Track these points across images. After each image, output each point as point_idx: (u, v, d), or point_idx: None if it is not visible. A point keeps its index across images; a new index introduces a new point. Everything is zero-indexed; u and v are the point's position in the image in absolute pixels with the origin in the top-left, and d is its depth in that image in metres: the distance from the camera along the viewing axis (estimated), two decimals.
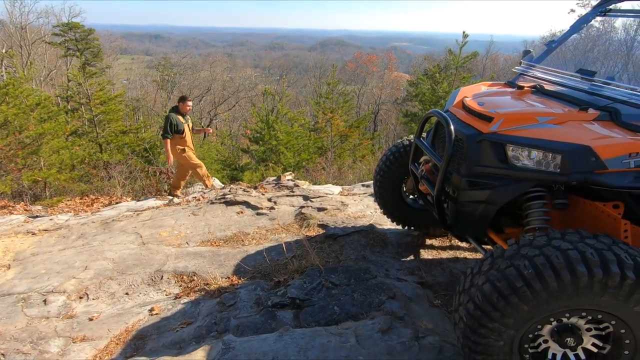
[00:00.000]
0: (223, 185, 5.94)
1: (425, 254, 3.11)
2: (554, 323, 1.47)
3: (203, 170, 5.46)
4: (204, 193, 5.15)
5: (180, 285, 2.91)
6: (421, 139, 2.42)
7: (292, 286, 2.50)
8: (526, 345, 1.51)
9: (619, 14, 2.36)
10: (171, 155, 5.13)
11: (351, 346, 1.82)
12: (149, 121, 11.23)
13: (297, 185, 4.84)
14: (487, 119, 1.83)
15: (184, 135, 5.17)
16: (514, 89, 2.30)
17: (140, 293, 2.84)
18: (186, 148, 5.18)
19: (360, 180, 7.32)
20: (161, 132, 5.23)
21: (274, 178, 5.29)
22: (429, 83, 9.74)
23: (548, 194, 1.75)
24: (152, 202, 4.94)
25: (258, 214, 4.03)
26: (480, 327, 1.45)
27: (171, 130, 5.03)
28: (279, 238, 3.45)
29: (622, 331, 1.43)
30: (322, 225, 3.60)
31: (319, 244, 3.26)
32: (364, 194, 4.61)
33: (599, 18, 2.56)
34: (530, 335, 1.49)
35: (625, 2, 2.25)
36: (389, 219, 3.22)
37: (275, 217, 3.88)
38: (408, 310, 2.29)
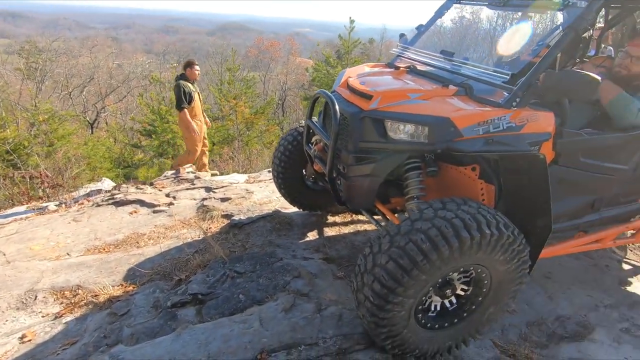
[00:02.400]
0: (114, 186, 5.30)
1: (329, 231, 3.24)
2: (438, 283, 1.69)
3: (193, 156, 5.05)
4: (89, 196, 4.53)
5: (62, 303, 2.53)
6: (312, 119, 2.47)
7: (193, 282, 2.38)
8: (419, 307, 1.72)
9: (469, 2, 2.69)
10: (194, 126, 4.73)
11: (254, 330, 1.82)
12: (11, 117, 9.34)
13: (198, 177, 4.57)
14: (368, 97, 1.95)
15: (193, 105, 4.71)
16: (392, 70, 2.49)
17: (6, 320, 2.39)
18: (195, 120, 4.79)
19: (268, 166, 7.28)
20: (175, 105, 4.79)
21: (173, 172, 4.91)
22: (325, 68, 10.06)
23: (422, 164, 1.94)
24: (19, 212, 4.16)
25: (155, 211, 3.71)
26: (386, 304, 1.58)
27: (185, 99, 4.61)
28: (179, 235, 3.24)
29: (483, 275, 1.73)
30: (226, 216, 3.48)
31: (224, 235, 3.15)
32: (270, 180, 4.58)
33: (468, 9, 2.94)
34: (424, 298, 1.71)
35: None
36: (294, 206, 3.27)
37: (174, 213, 3.62)
38: (313, 286, 2.37)
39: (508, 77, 1.86)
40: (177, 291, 2.36)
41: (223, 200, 3.81)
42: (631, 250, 3.35)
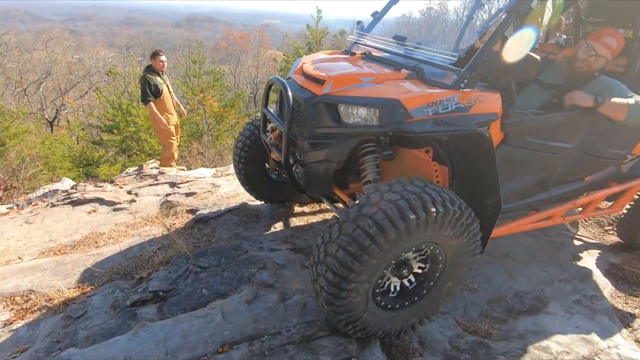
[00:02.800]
0: (73, 185, 5.03)
1: (297, 222, 3.22)
2: (393, 263, 1.71)
3: (170, 150, 4.85)
4: (44, 197, 4.28)
5: (12, 309, 2.38)
6: (268, 108, 2.43)
7: (154, 279, 2.30)
8: (377, 290, 1.74)
9: None
10: (162, 118, 4.57)
11: (216, 324, 1.78)
12: None
13: (163, 173, 4.42)
14: (320, 82, 1.94)
15: (162, 97, 4.51)
16: (347, 56, 2.48)
17: None
18: (165, 114, 4.60)
19: None
20: (141, 98, 4.60)
21: (135, 168, 4.72)
22: (295, 59, 9.88)
23: (378, 148, 1.95)
24: None
25: (115, 209, 3.55)
26: (341, 291, 1.59)
27: (151, 91, 4.44)
28: (141, 232, 3.12)
29: (437, 252, 1.77)
30: (191, 211, 3.39)
31: (189, 231, 3.07)
32: None
33: (436, 1, 2.97)
34: (380, 281, 1.72)
35: None
36: (260, 200, 3.21)
37: (136, 210, 3.48)
38: (279, 276, 2.35)
39: (455, 59, 1.89)
40: (137, 289, 2.27)
41: (188, 195, 3.70)
42: (584, 227, 3.54)
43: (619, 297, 2.59)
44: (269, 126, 2.40)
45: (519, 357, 1.94)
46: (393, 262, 1.70)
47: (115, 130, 6.45)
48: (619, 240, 3.18)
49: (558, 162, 2.31)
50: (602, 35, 2.30)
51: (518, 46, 1.78)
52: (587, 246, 3.16)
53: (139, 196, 3.79)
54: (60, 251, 2.96)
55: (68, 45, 31.45)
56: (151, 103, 4.54)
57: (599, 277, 2.73)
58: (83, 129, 9.68)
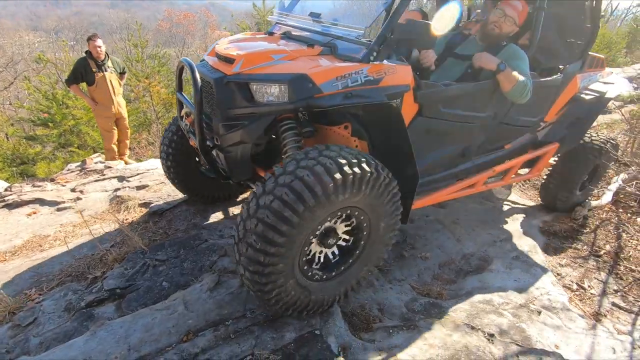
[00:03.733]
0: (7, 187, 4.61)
1: None
2: (318, 231, 1.70)
3: (109, 141, 4.59)
4: None
5: None
6: (181, 92, 2.31)
7: (109, 277, 2.22)
8: (303, 261, 1.72)
9: None
10: (90, 100, 4.40)
11: (179, 314, 1.78)
12: None
13: (109, 167, 4.17)
14: (231, 61, 1.86)
15: (94, 86, 4.24)
16: (266, 36, 2.38)
17: None
18: (97, 104, 4.36)
19: None
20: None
21: (78, 164, 4.41)
22: None
23: (298, 125, 1.91)
24: None
25: (59, 209, 3.33)
26: (265, 267, 1.54)
27: (73, 75, 4.22)
28: (91, 231, 2.96)
29: (362, 217, 1.79)
30: (144, 204, 3.26)
31: (143, 225, 2.97)
32: None
33: None
34: (306, 251, 1.70)
35: None
36: (195, 199, 3.03)
37: (83, 208, 3.29)
38: None
39: (362, 31, 1.90)
40: (91, 290, 2.19)
41: (139, 188, 3.55)
42: (522, 191, 3.89)
43: (550, 250, 2.91)
44: (183, 111, 2.30)
45: (466, 312, 2.14)
46: (317, 231, 1.67)
47: (50, 124, 5.90)
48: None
49: (475, 132, 2.38)
50: (511, 0, 2.38)
51: (438, 27, 1.83)
52: (524, 208, 3.49)
53: (85, 193, 3.57)
54: None
55: None
56: (74, 85, 4.39)
57: (534, 234, 3.05)
58: (12, 124, 8.77)
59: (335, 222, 1.77)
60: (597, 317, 2.27)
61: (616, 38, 13.74)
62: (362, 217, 1.78)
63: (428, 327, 2.01)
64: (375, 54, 1.79)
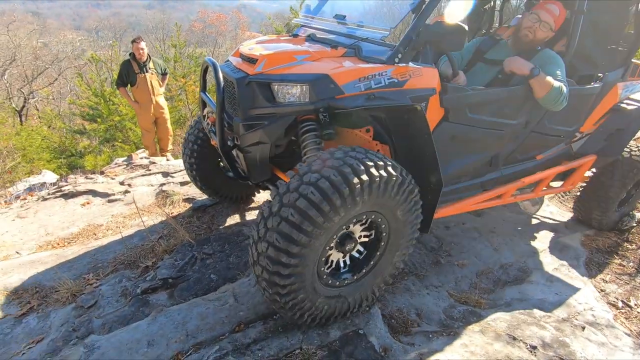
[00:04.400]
0: (58, 177, 4.94)
1: None
2: (336, 238, 1.66)
3: (148, 139, 4.88)
4: (32, 190, 4.20)
5: (19, 303, 2.40)
6: (205, 92, 2.33)
7: (161, 267, 2.37)
8: (322, 268, 1.68)
9: None
10: (133, 101, 4.68)
11: (230, 306, 1.88)
12: None
13: (154, 162, 4.40)
14: (254, 61, 1.86)
15: (135, 86, 4.51)
16: (291, 38, 2.36)
17: None
18: (138, 104, 4.63)
19: None
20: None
21: (124, 159, 4.67)
22: None
23: (319, 127, 1.85)
24: None
25: (110, 201, 3.55)
26: (285, 268, 1.49)
27: (120, 78, 4.53)
28: (140, 222, 3.15)
29: (379, 220, 1.74)
30: (187, 199, 3.43)
31: (188, 219, 3.12)
32: None
33: None
34: (324, 258, 1.65)
35: None
36: (215, 198, 3.04)
37: (131, 200, 3.49)
38: None
39: (387, 32, 1.87)
40: (145, 278, 2.34)
41: (183, 184, 3.73)
42: (561, 202, 3.80)
43: (592, 265, 2.84)
44: (205, 111, 2.31)
45: (506, 322, 2.14)
46: (338, 235, 1.63)
47: (99, 119, 6.27)
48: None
49: (504, 140, 2.29)
50: (546, 4, 2.30)
51: (451, 16, 1.76)
52: (564, 220, 3.40)
53: (133, 187, 3.79)
54: (58, 244, 2.97)
55: (32, 29, 29.62)
56: (122, 88, 4.66)
57: (575, 247, 2.98)
58: (61, 119, 9.33)
59: (357, 228, 1.74)
60: None
61: None
62: (379, 219, 1.73)
63: (468, 334, 2.02)
64: (400, 55, 1.75)
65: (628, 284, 2.65)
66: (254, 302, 1.92)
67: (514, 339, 2.01)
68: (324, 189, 1.46)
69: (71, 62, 23.79)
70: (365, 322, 1.96)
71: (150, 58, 4.69)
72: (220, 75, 1.91)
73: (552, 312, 2.28)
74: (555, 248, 2.95)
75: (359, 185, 1.50)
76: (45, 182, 4.40)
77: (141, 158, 4.64)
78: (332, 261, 1.77)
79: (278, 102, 1.74)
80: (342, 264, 1.82)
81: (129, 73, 4.54)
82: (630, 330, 2.24)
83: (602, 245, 3.05)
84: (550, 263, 2.78)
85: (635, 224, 3.22)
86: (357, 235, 1.77)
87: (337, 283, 1.78)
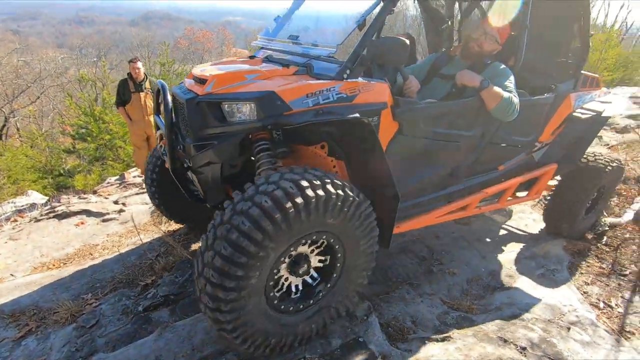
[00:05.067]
0: (47, 198, 4.90)
1: None
2: (287, 260, 1.63)
3: (139, 157, 4.85)
4: (21, 211, 4.16)
5: (17, 326, 2.39)
6: (158, 115, 2.31)
7: (161, 285, 2.41)
8: (271, 294, 1.63)
9: None
10: (128, 120, 4.71)
11: None
12: None
13: None
14: (204, 82, 1.87)
15: (130, 104, 4.56)
16: (248, 60, 2.38)
17: None
18: (131, 122, 4.66)
19: None
20: None
21: (117, 177, 4.68)
22: None
23: (273, 146, 1.86)
24: None
25: (105, 220, 3.56)
26: (226, 304, 1.44)
27: (118, 97, 4.62)
28: (136, 241, 3.17)
29: (331, 240, 1.70)
30: None
31: (184, 236, 3.16)
32: None
33: None
34: (271, 283, 1.60)
35: None
36: (182, 225, 3.02)
37: (126, 219, 3.51)
38: None
39: (334, 49, 1.91)
40: (146, 295, 2.37)
41: None
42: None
43: (575, 268, 2.99)
44: (158, 133, 2.29)
45: (497, 326, 2.25)
46: (285, 258, 1.60)
47: (89, 138, 6.26)
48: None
49: (462, 151, 2.31)
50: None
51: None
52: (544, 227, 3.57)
53: (127, 205, 3.81)
54: (54, 265, 2.97)
55: (14, 47, 29.20)
56: (121, 107, 4.77)
57: (557, 252, 3.13)
58: (43, 137, 9.22)
59: (306, 249, 1.69)
60: (625, 335, 2.35)
61: (632, 57, 13.79)
62: (332, 240, 1.69)
63: (462, 338, 2.12)
64: (348, 71, 1.78)
65: (608, 285, 2.81)
66: None
67: (505, 341, 2.11)
68: (255, 218, 1.41)
69: (54, 80, 23.51)
70: (364, 330, 2.04)
71: (147, 77, 4.79)
72: (169, 96, 1.94)
73: (539, 314, 2.40)
74: (539, 254, 3.10)
75: (292, 210, 1.45)
76: (35, 203, 4.37)
77: (134, 177, 4.66)
78: (283, 284, 1.72)
79: (228, 122, 1.74)
80: (295, 289, 1.76)
81: (125, 92, 4.63)
82: (612, 329, 2.37)
83: (582, 249, 3.21)
84: (535, 268, 2.92)
85: (608, 228, 3.42)
86: (311, 258, 1.72)
87: (297, 306, 1.73)
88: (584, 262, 3.08)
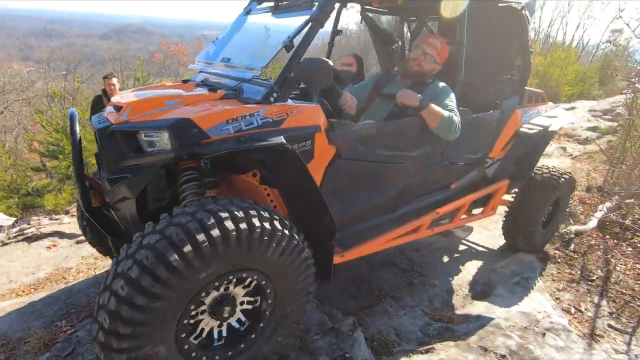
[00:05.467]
0: (14, 219, 4.67)
1: None
2: (206, 301, 1.45)
3: None
4: None
5: None
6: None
7: None
8: (184, 336, 1.42)
9: (259, 11, 2.47)
10: None
11: None
12: None
13: None
14: (120, 109, 1.74)
15: None
16: (180, 84, 2.28)
17: None
18: None
19: None
20: None
21: None
22: None
23: (201, 176, 1.70)
24: None
25: (78, 242, 3.43)
26: (116, 354, 1.25)
27: (92, 114, 4.42)
28: (113, 263, 3.07)
29: (261, 279, 1.54)
30: None
31: None
32: None
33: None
34: (186, 322, 1.41)
35: (265, 3, 2.41)
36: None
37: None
38: None
39: (259, 72, 1.86)
40: None
41: None
42: None
43: (547, 276, 3.14)
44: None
45: (477, 335, 2.32)
46: (203, 299, 1.42)
47: (60, 156, 6.01)
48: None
49: (409, 172, 2.24)
50: (428, 38, 2.43)
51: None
52: None
53: None
54: (24, 291, 2.82)
55: None
56: None
57: (530, 261, 3.28)
58: (10, 155, 8.79)
59: (228, 288, 1.50)
60: (595, 338, 2.47)
61: (589, 73, 14.81)
62: (262, 280, 1.54)
63: (444, 349, 2.18)
64: (275, 94, 1.71)
65: (578, 290, 2.96)
66: None
67: (485, 350, 2.18)
68: (161, 252, 1.24)
69: (19, 94, 22.55)
70: (350, 346, 2.06)
71: None
72: (77, 126, 1.83)
73: (516, 322, 2.50)
74: (514, 262, 3.23)
75: (207, 244, 1.29)
76: (1, 226, 4.14)
77: None
78: (203, 330, 1.52)
79: (145, 151, 1.58)
80: (217, 335, 1.57)
81: (100, 108, 4.53)
82: (583, 333, 2.50)
83: (552, 256, 3.39)
84: (511, 276, 3.04)
85: (574, 235, 3.62)
86: (238, 299, 1.55)
87: (226, 355, 1.55)
88: (555, 269, 3.23)
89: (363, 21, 3.08)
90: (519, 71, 2.81)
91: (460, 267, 3.13)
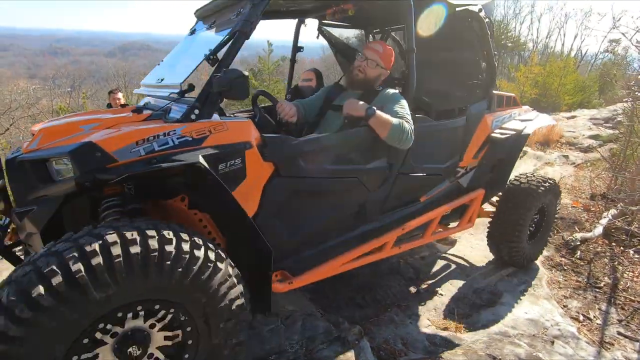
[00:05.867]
0: None
1: None
2: (109, 341, 1.25)
3: None
4: None
5: None
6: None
7: None
8: None
9: (203, 29, 2.35)
10: None
11: None
12: None
13: None
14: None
15: None
16: (118, 109, 2.20)
17: None
18: None
19: None
20: None
21: None
22: None
23: (123, 202, 1.60)
24: None
25: None
26: None
27: None
28: None
29: (177, 311, 1.36)
30: None
31: None
32: None
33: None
34: None
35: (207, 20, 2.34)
36: None
37: None
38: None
39: (178, 89, 1.78)
40: None
41: None
42: None
43: (554, 283, 3.11)
44: None
45: (485, 344, 2.29)
46: (99, 338, 1.22)
47: None
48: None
49: (366, 187, 2.09)
50: (370, 44, 2.35)
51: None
52: None
53: None
54: None
55: None
56: None
57: (536, 269, 3.26)
58: None
59: (138, 322, 1.30)
60: (605, 345, 2.44)
61: (589, 82, 14.92)
62: (179, 313, 1.35)
63: (452, 358, 2.15)
64: (197, 111, 1.59)
65: (585, 298, 2.93)
66: (249, 345, 1.95)
67: (494, 358, 2.16)
68: (26, 290, 1.09)
69: (25, 111, 22.92)
70: (357, 355, 2.05)
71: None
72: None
73: (524, 329, 2.47)
74: (520, 270, 3.21)
75: (81, 273, 1.12)
76: None
77: None
78: None
79: (54, 180, 1.45)
80: None
81: None
82: (593, 341, 2.47)
83: (559, 264, 3.36)
84: (517, 284, 3.02)
85: (579, 242, 3.60)
86: (152, 335, 1.34)
87: None
88: (561, 277, 3.21)
89: (320, 36, 3.07)
90: (484, 75, 2.72)
91: (466, 275, 3.12)
